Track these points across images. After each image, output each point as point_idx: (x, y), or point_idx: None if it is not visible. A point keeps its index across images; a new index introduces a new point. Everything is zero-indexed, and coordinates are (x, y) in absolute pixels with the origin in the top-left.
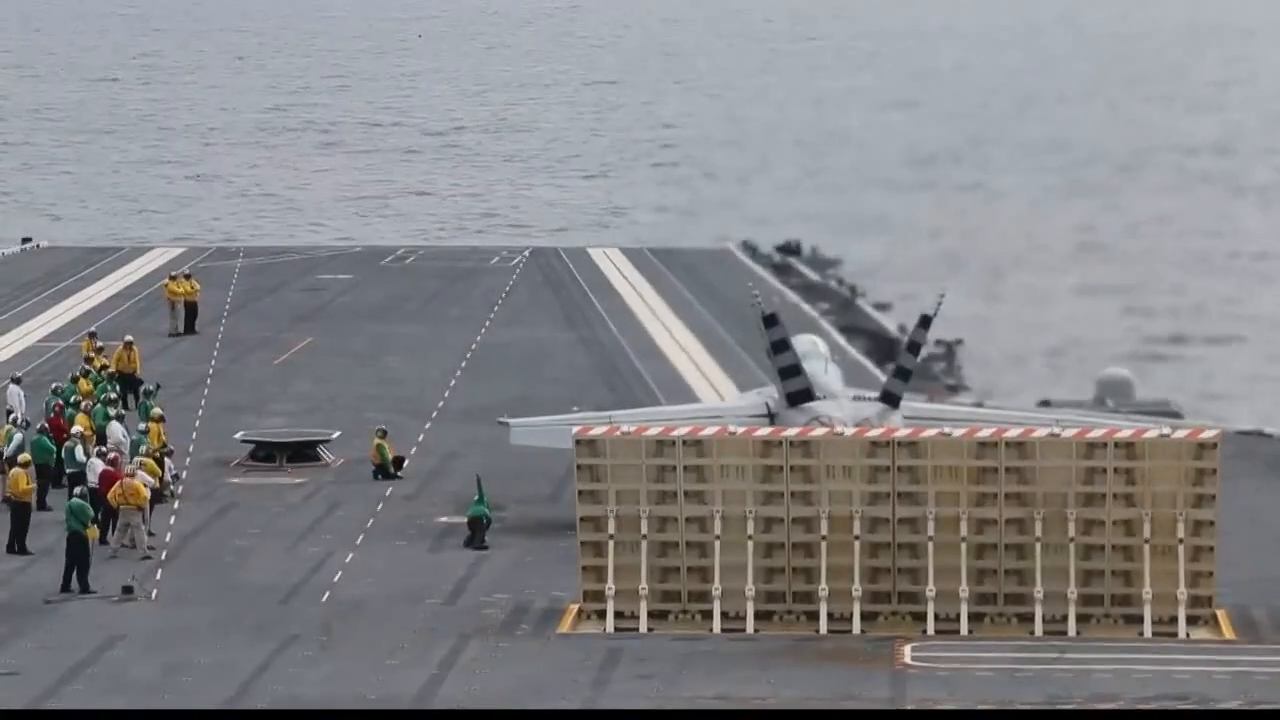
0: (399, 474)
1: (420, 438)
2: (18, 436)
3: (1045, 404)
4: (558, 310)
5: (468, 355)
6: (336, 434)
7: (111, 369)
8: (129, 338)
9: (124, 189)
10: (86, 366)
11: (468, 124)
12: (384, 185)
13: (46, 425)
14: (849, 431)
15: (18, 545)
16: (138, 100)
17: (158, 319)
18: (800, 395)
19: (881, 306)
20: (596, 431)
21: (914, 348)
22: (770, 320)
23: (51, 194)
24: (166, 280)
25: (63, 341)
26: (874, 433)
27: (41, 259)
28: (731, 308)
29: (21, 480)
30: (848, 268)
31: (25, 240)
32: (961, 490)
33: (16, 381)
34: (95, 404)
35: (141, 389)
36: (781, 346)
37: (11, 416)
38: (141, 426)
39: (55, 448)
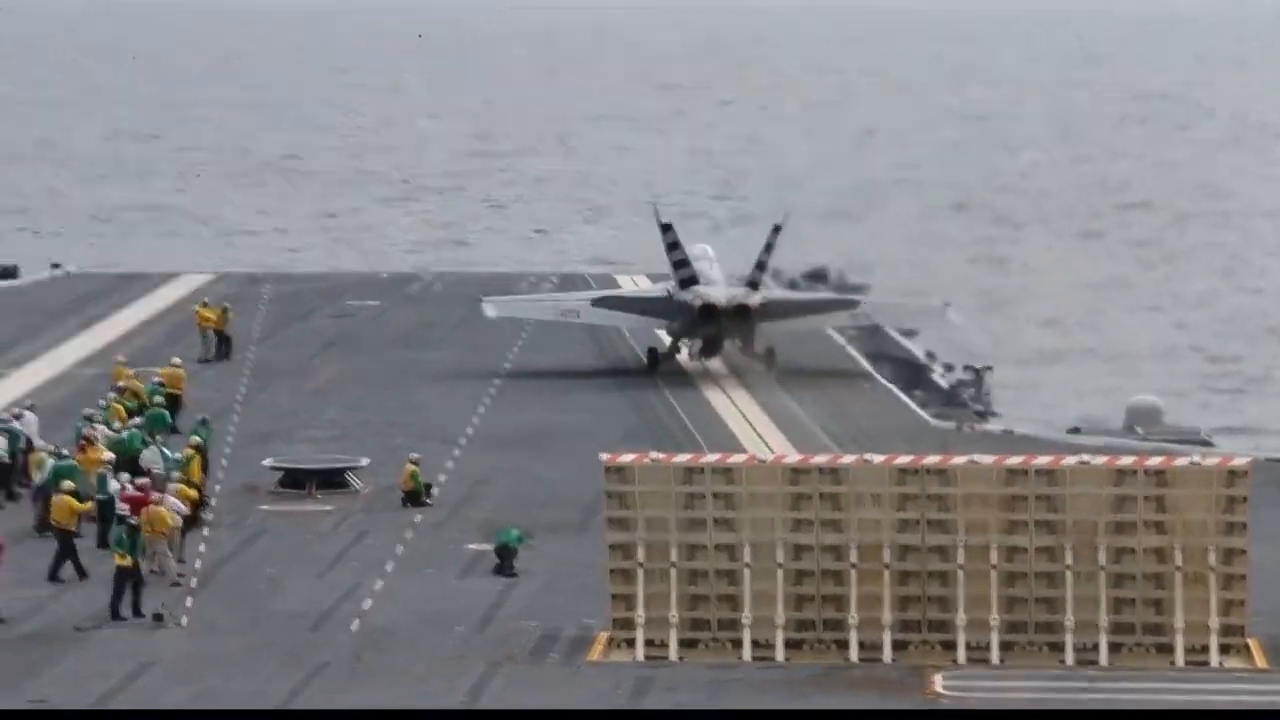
0: (428, 501)
1: (449, 464)
2: (50, 464)
3: (1075, 431)
4: (586, 337)
5: (496, 382)
6: (365, 461)
7: (163, 384)
8: (176, 360)
9: (157, 217)
10: (115, 394)
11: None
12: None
13: (79, 453)
14: (872, 461)
15: (75, 571)
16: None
17: (187, 345)
18: (688, 281)
19: (908, 333)
20: (625, 459)
21: (769, 248)
22: (666, 228)
23: (80, 219)
24: (198, 306)
25: (92, 368)
26: (903, 460)
27: (71, 285)
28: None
29: (65, 508)
30: (875, 294)
31: (54, 266)
32: (991, 518)
33: (30, 409)
34: (130, 429)
35: (197, 418)
36: (674, 247)
37: (46, 446)
38: (178, 455)
39: (83, 474)
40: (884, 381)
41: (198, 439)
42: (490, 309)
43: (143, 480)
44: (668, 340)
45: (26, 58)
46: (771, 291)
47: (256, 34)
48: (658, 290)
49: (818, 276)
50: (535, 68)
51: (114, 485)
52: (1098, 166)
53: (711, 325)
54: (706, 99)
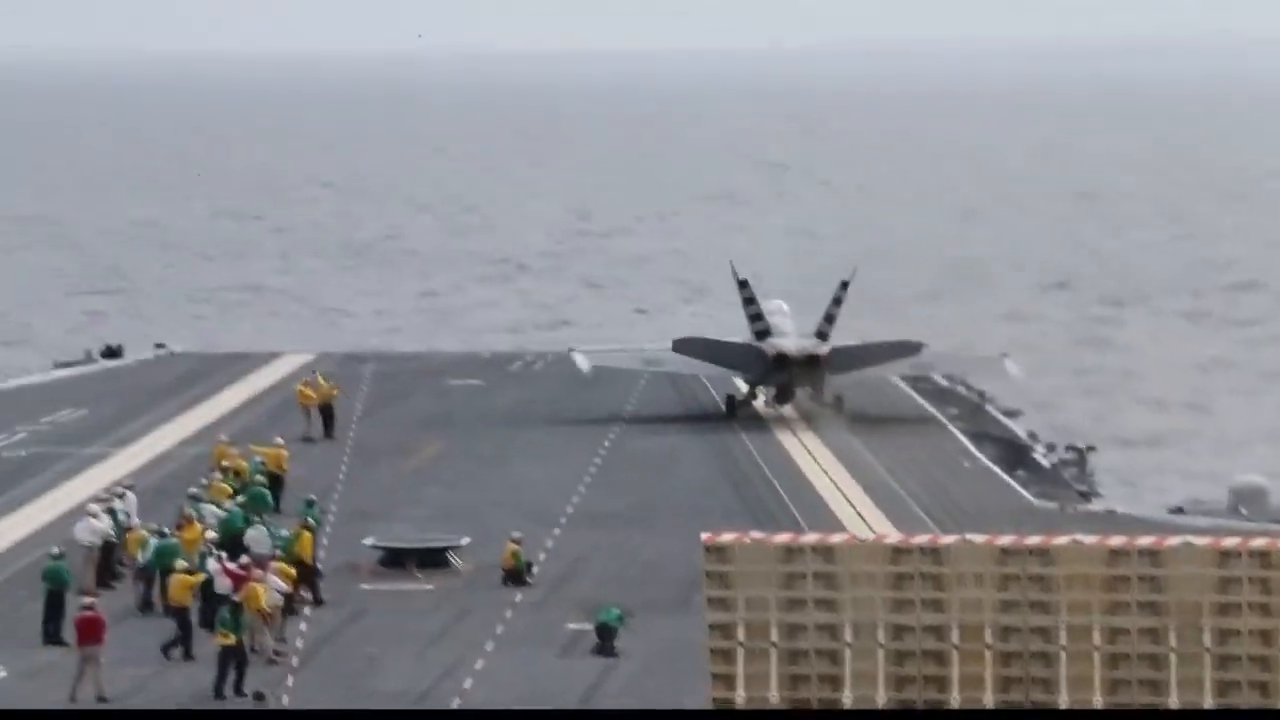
0: (529, 580)
1: (549, 543)
2: (153, 543)
3: (1178, 511)
4: (686, 415)
5: (596, 461)
6: (466, 540)
7: (264, 463)
8: (279, 439)
9: (258, 297)
10: (219, 473)
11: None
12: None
13: (177, 531)
14: (973, 542)
15: (182, 651)
16: (277, 218)
17: (288, 424)
18: (763, 333)
19: (1011, 413)
20: (725, 538)
21: (838, 301)
22: (743, 284)
23: (183, 300)
24: (300, 385)
25: (195, 447)
26: (1005, 540)
27: (174, 365)
28: (859, 414)
29: (182, 585)
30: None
31: (158, 346)
32: (1094, 599)
33: (130, 489)
34: (232, 508)
35: (304, 499)
36: (749, 302)
37: (148, 525)
38: (284, 533)
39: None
40: (986, 461)
41: (311, 519)
42: (581, 360)
43: (244, 559)
44: (744, 388)
45: (128, 138)
46: (838, 342)
47: (353, 113)
48: (736, 337)
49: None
50: (633, 146)
51: (213, 564)
52: (1202, 245)
53: (784, 373)
54: (807, 178)
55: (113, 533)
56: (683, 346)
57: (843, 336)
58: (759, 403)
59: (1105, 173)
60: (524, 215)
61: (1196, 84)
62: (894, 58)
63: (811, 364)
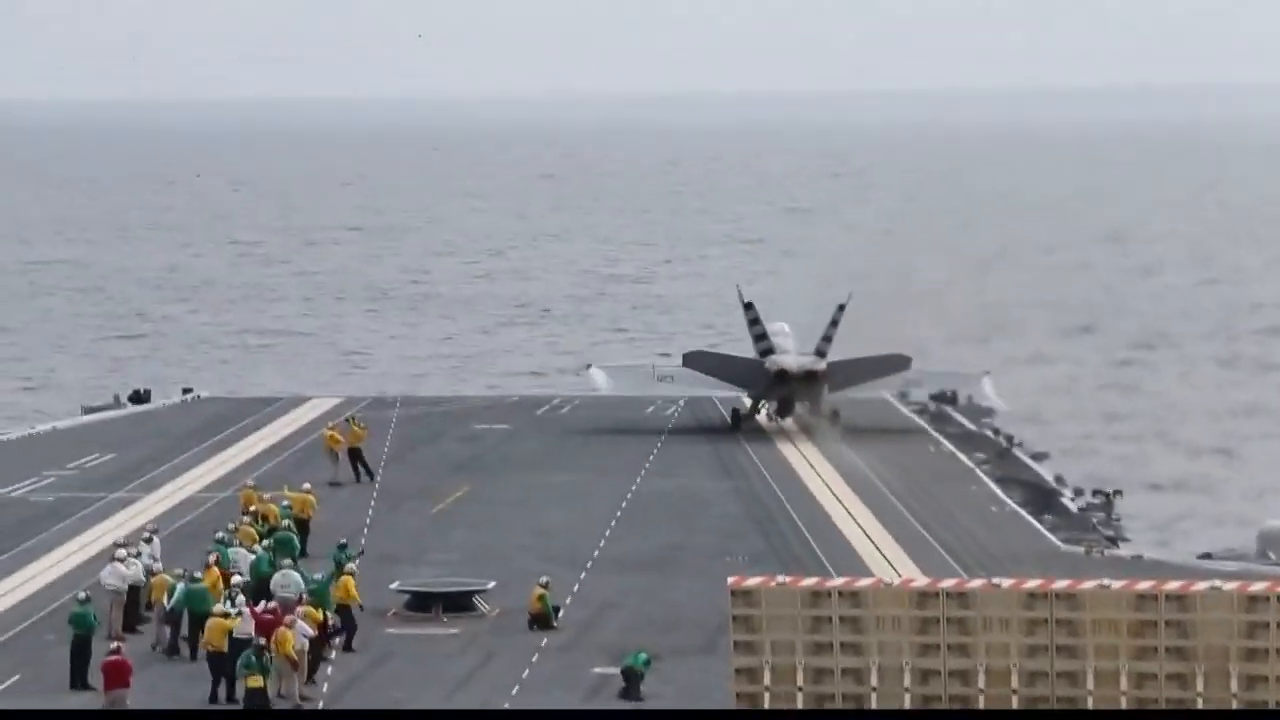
0: (555, 624)
1: (575, 588)
2: (180, 588)
3: (1206, 556)
4: (713, 459)
5: (623, 504)
6: (492, 584)
7: (292, 509)
8: (306, 485)
9: (285, 341)
10: (246, 518)
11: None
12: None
13: (199, 574)
14: (1000, 586)
15: (226, 694)
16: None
17: (315, 468)
18: (766, 351)
19: (1038, 456)
20: (751, 582)
21: (835, 323)
22: (748, 306)
23: (209, 345)
24: (326, 429)
25: (221, 492)
26: (1032, 584)
27: (200, 409)
28: (886, 455)
29: (218, 630)
30: (1003, 417)
31: (186, 391)
32: (1121, 643)
33: (155, 533)
34: (259, 553)
35: (338, 543)
36: (754, 323)
37: (174, 570)
38: (318, 576)
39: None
40: (1013, 505)
41: (352, 565)
42: (599, 376)
43: (271, 603)
44: (748, 402)
45: (154, 182)
46: (833, 357)
47: (377, 156)
48: (740, 354)
49: (945, 399)
50: (659, 189)
51: (216, 609)
52: (1231, 289)
53: (785, 387)
54: (832, 221)
55: (140, 578)
56: (691, 361)
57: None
58: (761, 416)
59: (1134, 214)
60: (549, 259)
61: (1224, 127)
62: (914, 101)
63: (810, 379)
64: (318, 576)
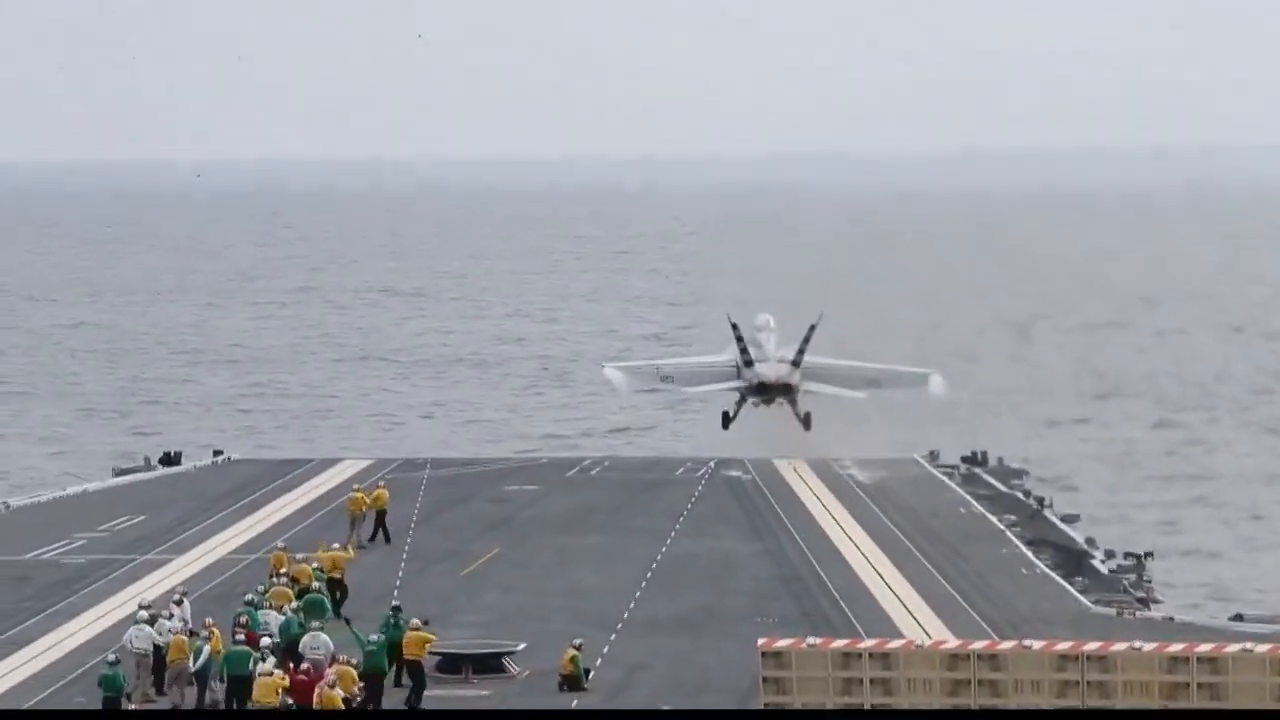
0: (586, 686)
1: (606, 649)
2: (206, 649)
3: (1238, 618)
4: (743, 521)
5: (653, 566)
6: (522, 645)
7: (322, 569)
8: (337, 545)
9: (314, 403)
10: (277, 579)
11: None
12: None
13: (240, 636)
14: (1031, 648)
15: None
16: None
17: (345, 529)
18: (748, 363)
19: (1069, 518)
20: (782, 644)
21: (807, 339)
22: (734, 326)
23: (237, 408)
24: (353, 492)
25: (252, 554)
26: (1063, 646)
27: (231, 471)
28: (917, 518)
29: (270, 688)
30: (1033, 480)
31: (216, 453)
32: (1153, 705)
33: (185, 594)
34: (288, 614)
35: (390, 608)
36: (739, 340)
37: (189, 628)
38: (374, 637)
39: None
40: (1044, 567)
41: (416, 620)
42: (615, 375)
43: (305, 665)
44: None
45: (184, 245)
46: (815, 359)
47: (408, 217)
48: (728, 359)
49: (976, 460)
50: (691, 249)
51: (262, 668)
52: (1267, 353)
53: (765, 394)
54: (859, 277)
55: (166, 638)
56: (683, 368)
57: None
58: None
59: (1168, 277)
60: (575, 319)
61: (1257, 188)
62: (948, 163)
63: (785, 389)
64: (374, 638)
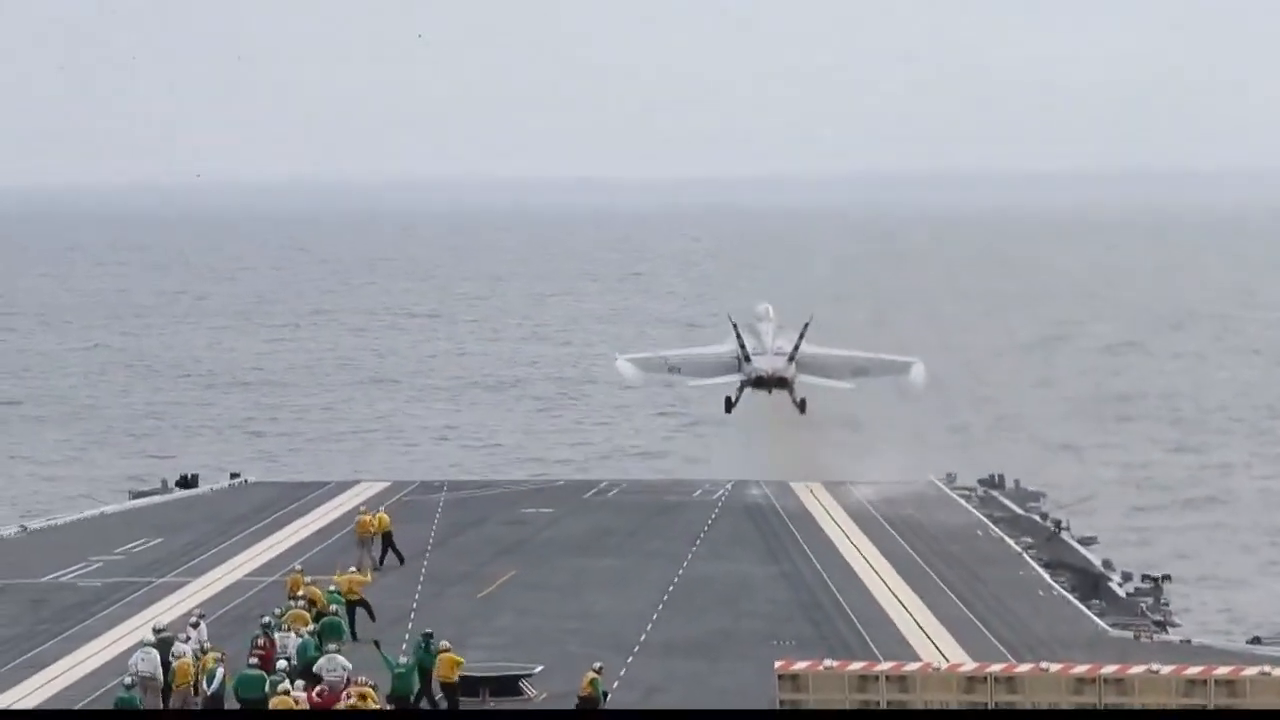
0: (604, 709)
1: (622, 672)
2: (220, 672)
3: (1256, 641)
4: (760, 544)
5: (670, 589)
6: (539, 668)
7: (339, 591)
8: (353, 568)
9: (330, 427)
10: (295, 601)
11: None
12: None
13: (256, 659)
14: (1048, 670)
15: None
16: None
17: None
18: (746, 356)
19: (1086, 541)
20: (799, 666)
21: (801, 336)
22: (735, 325)
23: (252, 431)
24: (361, 515)
25: (269, 576)
26: (1080, 669)
27: (248, 494)
28: (933, 540)
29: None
30: (1051, 502)
31: (233, 476)
32: None
33: (202, 617)
34: (305, 637)
35: (422, 633)
36: (739, 337)
37: (211, 652)
38: (403, 660)
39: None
40: (1061, 590)
41: (445, 643)
42: (627, 369)
43: (321, 687)
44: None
45: (203, 267)
46: (810, 348)
47: (421, 239)
48: (729, 350)
49: (993, 483)
50: (708, 270)
51: (282, 687)
52: None
53: (764, 385)
54: (883, 298)
55: (173, 660)
56: (684, 359)
57: None
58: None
59: (1192, 301)
60: (590, 341)
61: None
62: (967, 184)
63: (780, 382)
64: (403, 660)
